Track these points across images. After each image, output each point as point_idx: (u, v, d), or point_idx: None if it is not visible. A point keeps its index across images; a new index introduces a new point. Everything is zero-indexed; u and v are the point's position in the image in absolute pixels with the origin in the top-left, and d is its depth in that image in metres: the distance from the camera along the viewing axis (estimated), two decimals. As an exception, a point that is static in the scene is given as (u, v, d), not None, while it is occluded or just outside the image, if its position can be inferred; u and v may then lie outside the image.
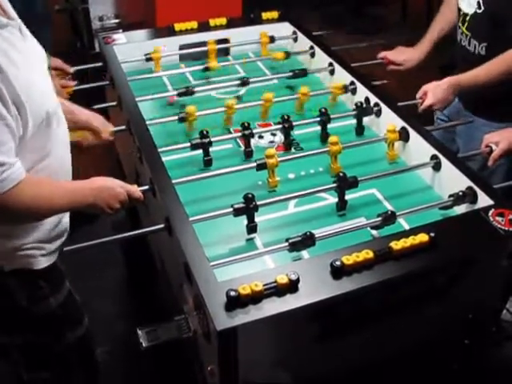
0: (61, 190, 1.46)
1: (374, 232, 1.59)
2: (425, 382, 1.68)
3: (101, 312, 2.59)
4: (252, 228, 1.60)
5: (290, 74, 2.30)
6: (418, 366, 1.62)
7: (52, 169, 1.50)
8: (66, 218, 1.68)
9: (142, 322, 1.49)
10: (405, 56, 2.42)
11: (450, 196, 1.65)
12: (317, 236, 1.48)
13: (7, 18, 1.38)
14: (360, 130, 2.06)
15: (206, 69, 2.33)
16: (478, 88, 2.07)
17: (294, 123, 1.96)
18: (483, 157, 1.89)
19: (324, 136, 1.99)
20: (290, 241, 1.45)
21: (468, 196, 1.64)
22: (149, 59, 2.34)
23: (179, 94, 2.14)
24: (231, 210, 1.57)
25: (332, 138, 1.83)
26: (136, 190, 1.57)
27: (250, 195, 1.56)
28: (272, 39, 2.52)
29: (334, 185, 1.67)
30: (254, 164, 1.77)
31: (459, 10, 2.21)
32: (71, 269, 2.63)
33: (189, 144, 1.84)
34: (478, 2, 2.08)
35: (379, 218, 1.55)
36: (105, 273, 2.77)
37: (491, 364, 1.97)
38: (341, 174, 1.67)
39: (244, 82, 2.22)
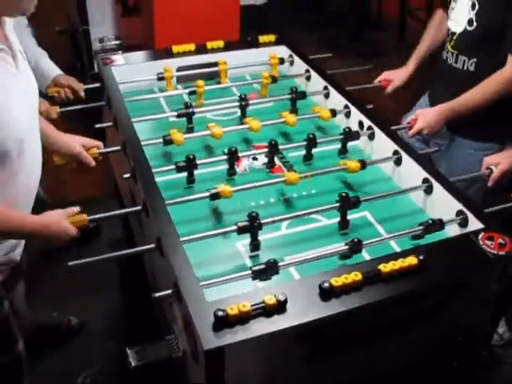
0: (9, 219, 1.52)
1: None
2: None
3: (93, 331, 2.60)
4: (255, 246, 1.63)
5: (289, 96, 2.31)
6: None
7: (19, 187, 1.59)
8: (17, 250, 1.74)
9: (134, 342, 1.49)
10: (392, 76, 2.48)
11: (420, 224, 1.64)
12: (282, 264, 1.48)
13: (4, 40, 1.43)
14: (343, 151, 2.08)
15: (192, 92, 2.35)
16: (469, 112, 2.09)
17: (282, 147, 1.99)
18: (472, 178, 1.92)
19: (307, 158, 2.03)
20: (253, 269, 1.45)
21: (437, 224, 1.64)
22: (161, 78, 2.38)
23: (179, 115, 2.15)
24: (223, 230, 1.58)
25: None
26: (72, 232, 1.60)
27: (254, 213, 1.58)
28: (282, 61, 2.56)
29: (337, 204, 1.69)
30: (246, 186, 1.80)
31: (448, 29, 2.24)
32: (65, 287, 2.67)
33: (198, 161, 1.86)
34: (470, 20, 2.10)
35: (346, 247, 1.55)
36: (99, 291, 2.77)
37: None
38: (343, 194, 1.69)
39: (242, 105, 2.23)
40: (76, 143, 1.87)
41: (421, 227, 1.64)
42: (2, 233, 1.56)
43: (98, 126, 2.16)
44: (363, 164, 1.89)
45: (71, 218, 1.61)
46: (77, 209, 1.64)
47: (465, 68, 2.19)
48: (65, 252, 2.58)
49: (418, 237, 1.65)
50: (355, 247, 1.55)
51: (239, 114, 2.28)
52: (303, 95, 2.32)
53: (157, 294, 1.42)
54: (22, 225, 1.56)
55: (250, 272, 1.45)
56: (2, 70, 1.44)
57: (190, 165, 1.84)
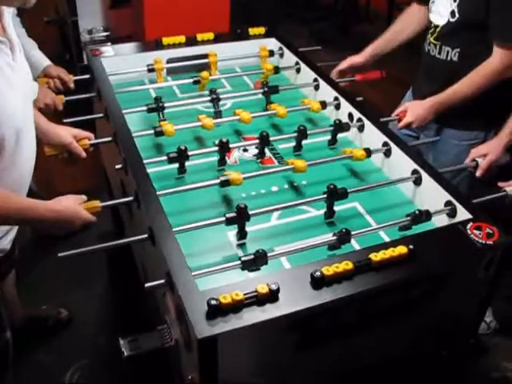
0: (12, 204, 1.50)
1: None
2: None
3: (83, 323, 2.60)
4: (242, 235, 1.64)
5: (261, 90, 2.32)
6: (396, 375, 1.64)
7: (7, 182, 1.57)
8: (8, 237, 1.75)
9: (123, 334, 1.49)
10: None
11: (408, 215, 1.66)
12: (271, 255, 1.49)
13: (2, 32, 1.46)
14: (333, 142, 2.10)
15: (196, 82, 2.35)
16: (457, 104, 2.11)
17: (273, 138, 2.00)
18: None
19: (297, 149, 2.05)
20: (243, 259, 1.46)
21: (424, 215, 1.65)
22: (151, 70, 2.38)
23: (149, 110, 2.13)
24: (214, 220, 1.59)
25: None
26: (91, 219, 1.61)
27: (242, 205, 1.59)
28: (271, 53, 2.56)
29: (324, 196, 1.70)
30: (271, 170, 1.87)
31: (430, 22, 2.26)
32: (55, 279, 2.67)
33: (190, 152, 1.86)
34: (452, 12, 2.12)
35: (334, 238, 1.56)
36: (89, 283, 2.77)
37: (469, 376, 2.00)
38: (331, 186, 1.70)
39: (213, 98, 2.22)
40: (67, 134, 1.87)
41: (408, 218, 1.66)
42: (12, 217, 1.53)
43: (83, 118, 2.15)
44: (369, 152, 1.92)
45: (85, 204, 1.62)
46: (84, 197, 1.64)
47: (448, 58, 2.20)
48: (53, 243, 2.58)
49: (405, 227, 1.67)
50: (344, 237, 1.56)
51: (228, 105, 2.28)
52: (275, 90, 2.31)
53: (149, 284, 1.42)
54: (36, 208, 1.53)
55: (239, 262, 1.47)
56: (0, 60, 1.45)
57: (181, 156, 1.84)
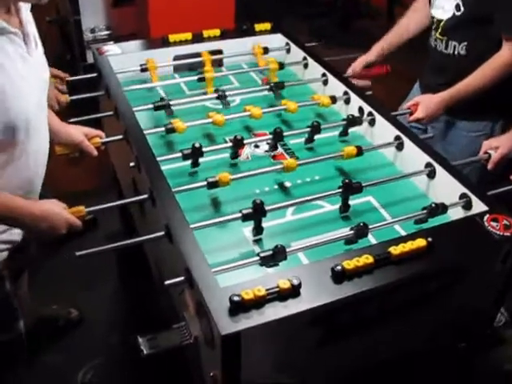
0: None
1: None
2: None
3: (93, 323, 2.59)
4: (258, 231, 1.64)
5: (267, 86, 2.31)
6: (416, 368, 1.64)
7: (18, 175, 1.58)
8: (17, 229, 1.71)
9: (135, 333, 1.47)
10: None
11: (424, 208, 1.65)
12: (290, 250, 1.49)
13: (18, 25, 1.48)
14: (345, 135, 2.09)
15: (201, 79, 2.34)
16: (469, 97, 2.11)
17: (286, 133, 1.99)
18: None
19: (308, 142, 2.04)
20: (261, 255, 1.45)
21: (440, 208, 1.65)
22: (144, 70, 2.35)
23: (155, 108, 2.12)
24: (232, 217, 1.59)
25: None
26: (76, 222, 1.58)
27: (258, 201, 1.59)
28: (266, 50, 2.54)
29: (339, 190, 1.70)
30: (252, 172, 1.81)
31: (432, 17, 2.26)
32: (64, 279, 2.66)
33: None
34: (457, 5, 2.12)
35: (351, 232, 1.56)
36: (98, 283, 2.76)
37: (482, 367, 1.99)
38: (346, 181, 1.70)
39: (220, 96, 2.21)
40: (79, 132, 1.87)
41: (424, 211, 1.65)
42: None
43: (91, 116, 2.14)
44: (359, 150, 1.89)
45: (70, 209, 1.59)
46: (65, 205, 1.62)
47: (456, 53, 2.21)
48: (63, 244, 2.57)
49: (421, 221, 1.66)
50: (361, 231, 1.56)
51: (237, 102, 2.28)
52: (281, 86, 2.30)
53: (168, 282, 1.41)
54: (19, 207, 1.51)
55: (258, 258, 1.46)
56: (12, 51, 1.46)
57: (195, 152, 1.84)
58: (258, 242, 1.64)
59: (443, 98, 2.14)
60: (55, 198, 1.63)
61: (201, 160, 1.87)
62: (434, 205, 1.66)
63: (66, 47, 3.92)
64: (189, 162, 1.87)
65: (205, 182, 1.72)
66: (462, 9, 2.11)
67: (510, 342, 2.32)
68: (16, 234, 1.76)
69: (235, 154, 1.95)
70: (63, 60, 3.83)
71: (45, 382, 2.34)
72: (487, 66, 2.08)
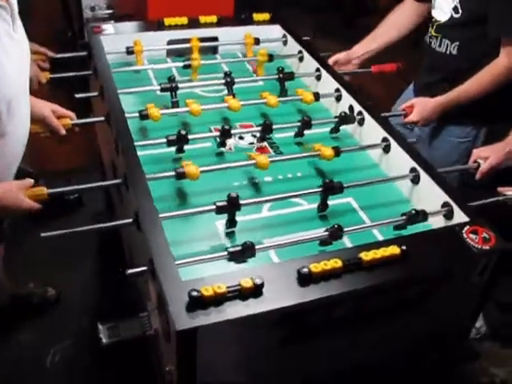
0: None
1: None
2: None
3: (68, 303, 2.56)
4: (232, 224, 1.59)
5: (276, 76, 2.26)
6: (384, 377, 1.60)
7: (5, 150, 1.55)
8: None
9: (108, 317, 1.45)
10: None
11: (403, 214, 1.60)
12: (259, 247, 1.45)
13: (4, 2, 1.43)
14: (335, 132, 2.05)
15: (187, 66, 2.28)
16: (464, 104, 2.07)
17: (276, 126, 1.94)
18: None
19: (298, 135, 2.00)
20: (230, 250, 1.41)
21: (420, 215, 1.60)
22: (130, 52, 2.30)
23: (162, 89, 2.09)
24: (204, 208, 1.55)
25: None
26: (30, 206, 1.54)
27: (234, 195, 1.54)
28: (257, 41, 2.48)
29: (319, 189, 1.65)
30: (233, 164, 1.77)
31: (432, 18, 2.23)
32: (43, 257, 2.62)
33: (165, 140, 1.80)
34: (455, 8, 2.08)
35: (326, 233, 1.51)
36: (78, 264, 2.73)
37: (457, 380, 1.96)
38: (327, 181, 1.65)
39: (228, 82, 2.17)
40: (46, 107, 1.83)
41: (403, 217, 1.61)
42: None
43: (78, 95, 2.08)
44: (337, 151, 1.84)
45: (29, 191, 1.55)
46: (31, 181, 1.57)
47: (448, 52, 2.18)
48: (44, 222, 2.53)
49: (400, 227, 1.62)
50: (335, 234, 1.51)
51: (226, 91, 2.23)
52: (291, 76, 2.25)
53: (130, 271, 1.38)
54: None
55: (226, 253, 1.42)
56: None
57: (180, 139, 1.79)
58: (230, 236, 1.60)
59: (440, 103, 2.10)
60: (39, 175, 1.60)
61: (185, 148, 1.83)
62: (413, 211, 1.61)
63: (67, 24, 3.87)
64: (170, 148, 1.83)
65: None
66: (460, 11, 2.08)
67: (486, 355, 2.30)
68: None
69: (222, 144, 1.91)
70: (65, 37, 3.80)
71: (16, 361, 2.31)
72: (484, 73, 2.04)
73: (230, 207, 1.56)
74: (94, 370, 2.27)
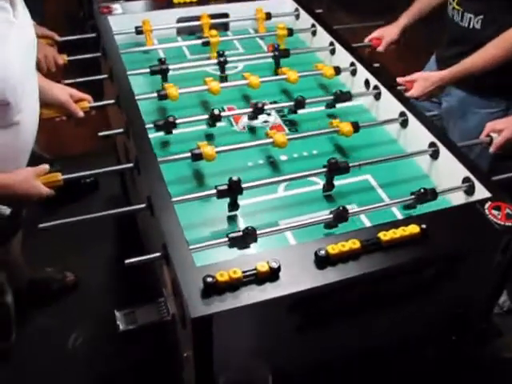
0: None
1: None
2: (409, 377, 1.63)
3: (90, 289, 2.55)
4: (233, 208, 1.55)
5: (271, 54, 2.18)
6: (402, 360, 1.57)
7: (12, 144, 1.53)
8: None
9: (128, 302, 1.43)
10: (383, 33, 2.37)
11: (412, 193, 1.55)
12: (260, 233, 1.39)
13: None
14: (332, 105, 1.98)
15: (206, 43, 2.23)
16: (471, 77, 2.00)
17: (268, 107, 1.90)
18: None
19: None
20: (230, 236, 1.36)
21: (429, 194, 1.54)
22: (139, 32, 2.25)
23: (152, 72, 2.01)
24: (212, 192, 1.51)
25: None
26: (43, 192, 1.53)
27: (235, 179, 1.49)
28: (268, 16, 2.42)
29: (324, 169, 1.60)
30: (243, 145, 1.72)
31: None
32: (60, 242, 2.62)
33: (178, 120, 1.76)
34: None
35: (331, 216, 1.46)
36: (94, 249, 2.72)
37: (479, 355, 1.93)
38: (332, 160, 1.59)
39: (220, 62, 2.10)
40: (64, 92, 1.80)
41: (412, 196, 1.55)
42: None
43: (88, 78, 2.05)
44: (356, 127, 1.78)
45: (44, 177, 1.54)
46: (46, 167, 1.57)
47: (471, 26, 2.09)
48: (61, 206, 2.52)
49: (410, 206, 1.57)
50: (340, 215, 1.46)
51: (240, 68, 2.18)
52: (286, 53, 2.17)
53: (143, 258, 1.35)
54: None
55: (225, 240, 1.37)
56: None
57: (168, 125, 1.75)
58: (246, 218, 1.56)
59: (443, 77, 2.02)
60: (55, 159, 1.58)
61: (191, 129, 1.80)
62: (422, 190, 1.55)
63: (78, 4, 3.83)
64: (182, 129, 1.79)
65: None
66: None
67: (508, 331, 2.25)
68: (3, 208, 1.71)
69: (213, 123, 1.84)
70: (77, 18, 3.75)
71: (34, 345, 2.32)
72: (491, 45, 1.95)
73: (230, 192, 1.51)
74: (114, 355, 2.26)
